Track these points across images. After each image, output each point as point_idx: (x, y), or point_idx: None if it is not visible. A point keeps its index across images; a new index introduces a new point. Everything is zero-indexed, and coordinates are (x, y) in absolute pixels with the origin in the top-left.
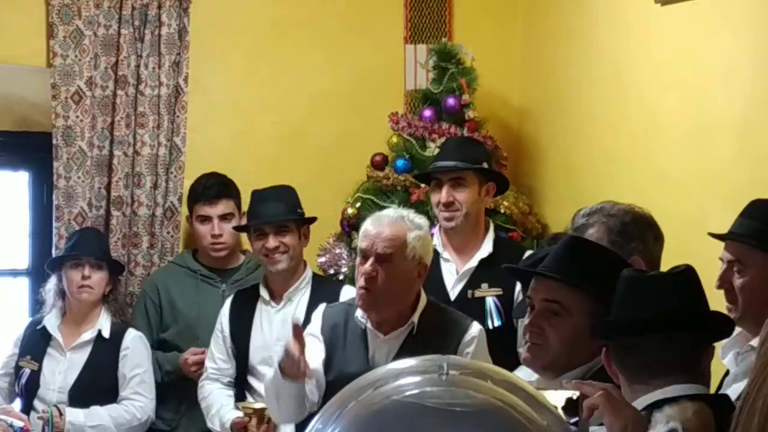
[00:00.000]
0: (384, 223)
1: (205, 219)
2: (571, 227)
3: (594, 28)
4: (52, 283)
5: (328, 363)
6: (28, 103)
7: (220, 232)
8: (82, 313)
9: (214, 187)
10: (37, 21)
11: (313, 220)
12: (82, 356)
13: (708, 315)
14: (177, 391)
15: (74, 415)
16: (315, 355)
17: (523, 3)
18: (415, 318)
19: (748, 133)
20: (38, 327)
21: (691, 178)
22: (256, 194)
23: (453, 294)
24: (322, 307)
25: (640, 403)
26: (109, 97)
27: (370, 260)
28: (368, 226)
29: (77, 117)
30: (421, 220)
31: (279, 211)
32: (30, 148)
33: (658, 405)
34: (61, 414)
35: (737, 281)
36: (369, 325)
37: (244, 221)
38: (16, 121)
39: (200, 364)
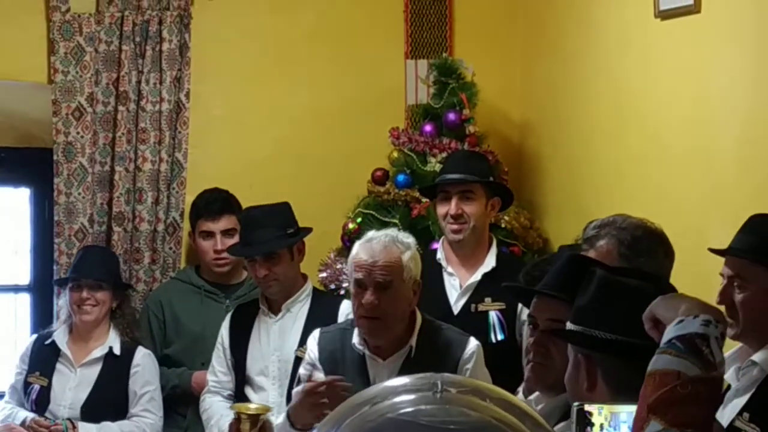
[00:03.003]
0: (377, 251)
1: (208, 234)
2: (581, 238)
3: (594, 42)
4: (63, 300)
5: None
6: (29, 120)
7: (223, 247)
8: (87, 330)
9: (217, 202)
10: (38, 37)
11: (307, 232)
12: (92, 373)
13: None
14: (180, 405)
15: (87, 429)
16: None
17: (524, 18)
18: (413, 341)
19: (748, 148)
20: (47, 342)
21: (691, 193)
22: (245, 216)
23: (456, 308)
24: (316, 333)
25: None
26: (110, 113)
27: (370, 290)
28: (361, 255)
29: (78, 133)
30: (410, 239)
31: (268, 236)
32: (31, 164)
33: None
34: (74, 427)
35: (738, 297)
36: (367, 351)
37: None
38: (17, 137)
39: None
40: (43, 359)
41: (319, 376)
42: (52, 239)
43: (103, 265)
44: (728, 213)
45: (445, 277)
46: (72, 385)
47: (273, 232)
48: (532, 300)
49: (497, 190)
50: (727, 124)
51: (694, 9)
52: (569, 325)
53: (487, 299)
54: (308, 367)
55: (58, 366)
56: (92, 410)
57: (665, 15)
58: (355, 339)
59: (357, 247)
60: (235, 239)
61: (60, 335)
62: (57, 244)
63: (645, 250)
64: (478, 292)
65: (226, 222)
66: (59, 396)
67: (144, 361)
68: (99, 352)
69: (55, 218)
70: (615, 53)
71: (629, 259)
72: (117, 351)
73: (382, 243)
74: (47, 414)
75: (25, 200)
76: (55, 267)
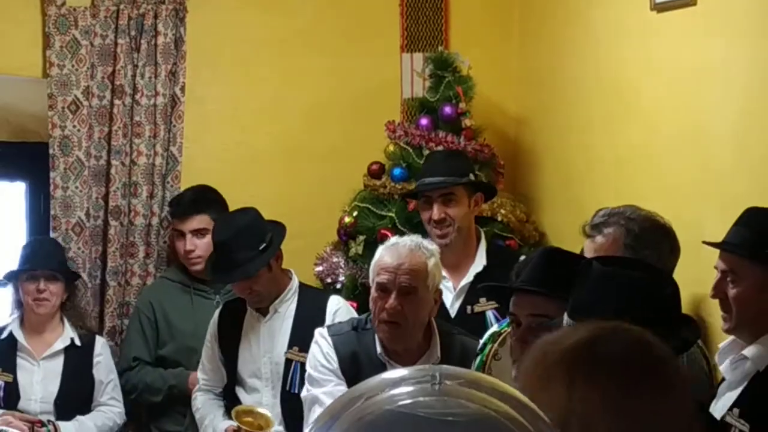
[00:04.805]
0: (403, 255)
1: (181, 234)
2: (588, 224)
3: (590, 35)
4: (13, 294)
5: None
6: (25, 114)
7: (192, 247)
8: (42, 322)
9: (187, 202)
10: (34, 31)
11: (281, 237)
12: (56, 365)
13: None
14: (181, 403)
15: (67, 429)
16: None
17: (519, 11)
18: (437, 352)
19: (745, 139)
20: (1, 337)
21: (688, 185)
22: (216, 240)
23: (452, 311)
24: (324, 335)
25: None
26: (106, 106)
27: (393, 295)
28: (386, 258)
29: (74, 127)
30: (432, 246)
31: (242, 259)
32: (27, 159)
33: None
34: (57, 430)
35: (731, 291)
36: (390, 361)
37: None
38: (12, 131)
39: None
40: (1, 355)
41: (340, 388)
42: (48, 233)
43: (55, 257)
44: (725, 205)
45: None
46: (38, 379)
47: (246, 253)
48: (511, 297)
49: (479, 186)
50: (723, 117)
51: (690, 2)
52: (566, 319)
53: (482, 299)
54: (325, 372)
55: (19, 360)
56: (65, 402)
57: (661, 8)
58: (379, 348)
59: (381, 251)
60: (207, 239)
61: (16, 329)
62: (54, 238)
63: (651, 243)
64: (472, 293)
65: (196, 222)
66: (27, 390)
67: (104, 349)
68: (60, 344)
69: (52, 212)
70: (611, 46)
71: (634, 250)
72: (78, 342)
73: (408, 247)
74: (18, 409)
75: (21, 194)
76: None
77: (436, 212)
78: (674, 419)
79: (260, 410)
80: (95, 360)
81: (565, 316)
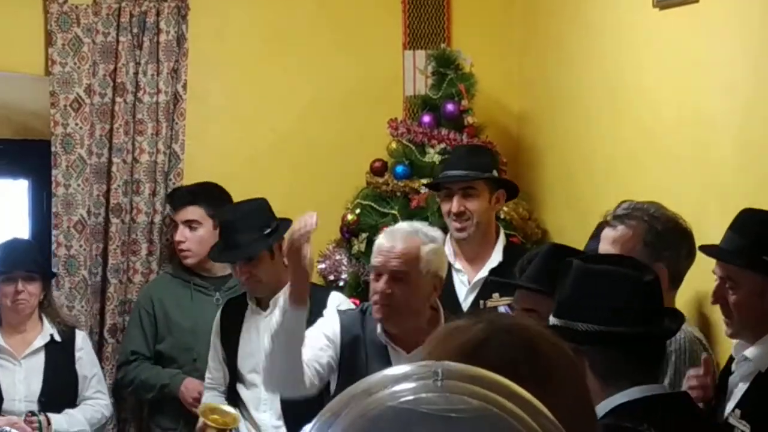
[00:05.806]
0: (397, 238)
1: (176, 225)
2: (611, 213)
3: (592, 32)
4: None
5: (347, 375)
6: (27, 111)
7: (182, 238)
8: (21, 322)
9: (183, 193)
10: (36, 29)
11: (286, 226)
12: (37, 363)
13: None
14: (177, 400)
15: (58, 422)
16: (317, 346)
17: (521, 8)
18: None
19: (747, 139)
20: None
21: (689, 184)
22: (222, 220)
23: (465, 305)
24: (334, 309)
25: (606, 404)
26: (108, 104)
27: (384, 278)
28: (382, 240)
29: (76, 124)
30: (436, 233)
31: (245, 240)
32: (29, 156)
33: (628, 407)
34: (49, 422)
35: (731, 298)
36: (390, 343)
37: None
38: (14, 129)
39: (198, 399)
40: None
41: (321, 340)
42: (50, 231)
43: (32, 257)
44: (726, 205)
45: (453, 273)
46: (20, 378)
47: (250, 235)
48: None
49: (500, 183)
50: (725, 115)
51: None
52: (552, 319)
53: (495, 294)
54: (327, 336)
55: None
56: (50, 399)
57: (664, 5)
58: (379, 328)
59: (381, 235)
60: (200, 232)
61: None
62: (55, 236)
63: (671, 243)
64: (486, 288)
65: (189, 213)
66: (10, 390)
67: (85, 343)
68: (40, 341)
69: (54, 210)
70: (613, 43)
71: (654, 248)
72: (58, 338)
73: (405, 231)
74: (3, 411)
75: (23, 192)
76: (53, 259)
77: (455, 205)
78: (567, 419)
79: (227, 408)
80: (77, 355)
81: (551, 317)
